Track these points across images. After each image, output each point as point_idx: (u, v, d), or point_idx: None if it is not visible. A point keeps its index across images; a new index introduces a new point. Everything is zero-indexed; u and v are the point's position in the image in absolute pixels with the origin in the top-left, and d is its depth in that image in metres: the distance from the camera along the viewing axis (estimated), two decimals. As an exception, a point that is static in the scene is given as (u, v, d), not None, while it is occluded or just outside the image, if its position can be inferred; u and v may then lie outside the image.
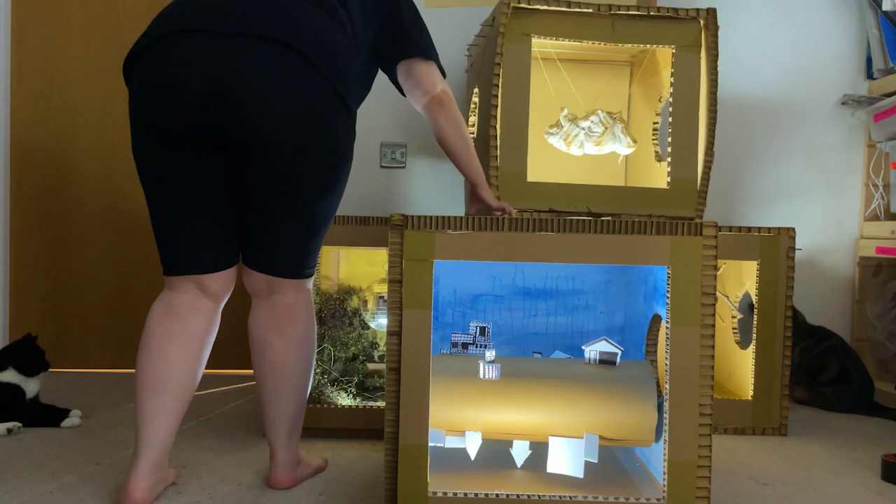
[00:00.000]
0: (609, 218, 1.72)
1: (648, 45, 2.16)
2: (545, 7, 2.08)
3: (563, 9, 2.09)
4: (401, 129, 2.86)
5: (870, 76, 2.76)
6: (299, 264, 1.57)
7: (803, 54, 2.80)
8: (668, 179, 2.13)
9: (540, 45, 2.20)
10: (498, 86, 2.05)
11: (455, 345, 1.71)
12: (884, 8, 2.65)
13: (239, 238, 1.55)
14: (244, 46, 1.35)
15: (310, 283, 1.63)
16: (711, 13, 2.10)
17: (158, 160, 1.44)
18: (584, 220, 1.43)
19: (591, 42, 2.12)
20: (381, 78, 2.87)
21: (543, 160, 2.40)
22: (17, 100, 2.91)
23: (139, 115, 1.43)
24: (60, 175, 2.92)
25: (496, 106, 2.06)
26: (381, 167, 2.86)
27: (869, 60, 2.74)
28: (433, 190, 2.80)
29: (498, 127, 2.07)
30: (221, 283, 1.55)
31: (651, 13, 2.12)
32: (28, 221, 2.93)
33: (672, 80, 2.12)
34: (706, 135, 2.11)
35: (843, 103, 2.78)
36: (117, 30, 2.89)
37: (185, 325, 1.51)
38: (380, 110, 2.82)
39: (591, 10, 2.10)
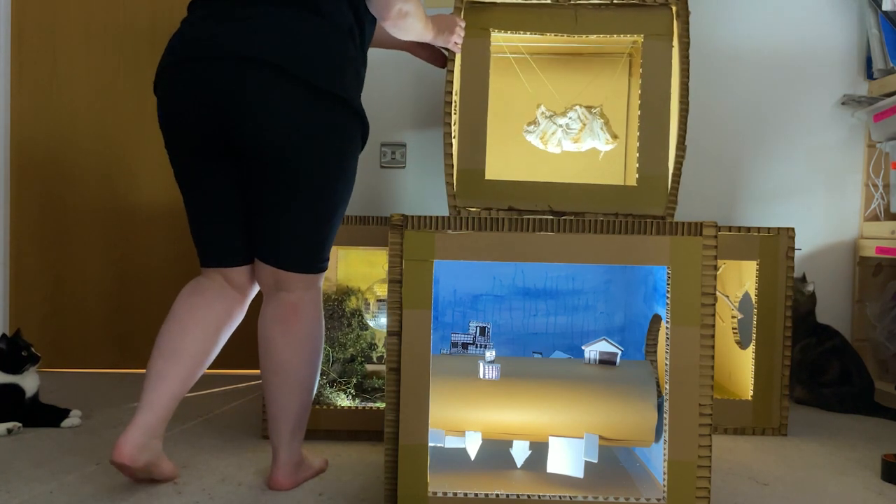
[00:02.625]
0: (572, 217, 1.71)
1: (616, 35, 2.10)
2: (502, 0, 2.05)
3: (521, 1, 2.05)
4: (401, 129, 2.86)
5: (870, 76, 2.76)
6: (304, 259, 1.59)
7: (803, 54, 2.79)
8: (637, 176, 2.08)
9: (527, 40, 2.19)
10: (452, 82, 2.04)
11: (455, 345, 1.71)
12: (884, 8, 2.65)
13: (253, 237, 1.63)
14: (227, 69, 1.49)
15: (319, 281, 1.65)
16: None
17: (182, 169, 1.63)
18: (584, 220, 1.43)
19: (553, 34, 2.08)
20: (380, 79, 2.87)
21: (522, 159, 2.38)
22: (17, 100, 2.91)
23: (163, 132, 1.62)
24: (60, 175, 2.92)
25: (450, 103, 2.05)
26: (381, 167, 2.86)
27: (869, 60, 2.74)
28: (433, 190, 2.80)
29: (454, 125, 2.05)
30: (245, 276, 1.66)
31: (616, 1, 2.06)
32: (28, 221, 2.93)
33: (641, 70, 2.08)
34: (678, 128, 2.05)
35: (843, 103, 2.78)
36: (117, 30, 2.89)
37: (209, 304, 1.62)
38: (380, 110, 2.82)
39: (550, 1, 2.06)
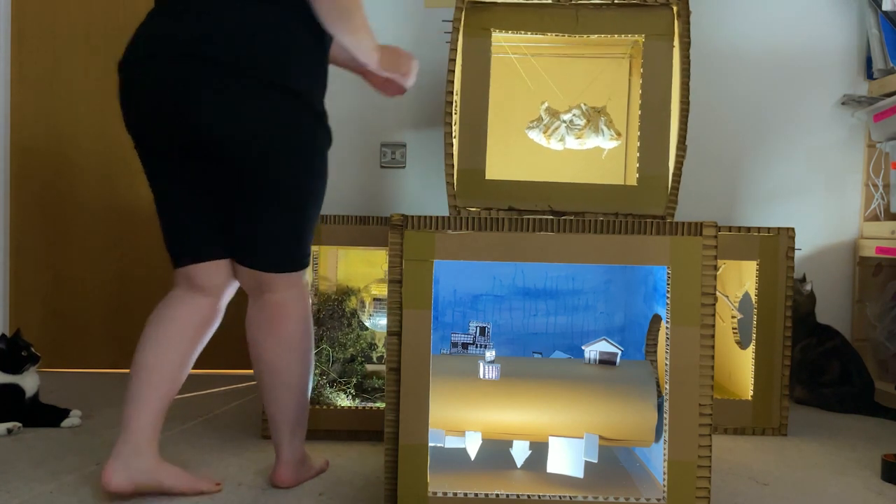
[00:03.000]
0: (572, 217, 1.72)
1: (617, 35, 2.11)
2: (503, 0, 2.05)
3: (522, 1, 2.04)
4: (401, 129, 2.86)
5: (870, 76, 2.76)
6: (282, 258, 1.56)
7: (803, 54, 2.80)
8: (637, 176, 2.08)
9: (529, 40, 2.19)
10: (453, 82, 2.04)
11: (455, 345, 1.71)
12: (884, 8, 2.65)
13: (224, 234, 1.58)
14: (178, 69, 1.45)
15: (301, 278, 1.61)
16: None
17: (145, 163, 1.58)
18: (584, 220, 1.43)
19: (554, 34, 2.08)
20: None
21: (523, 158, 2.38)
22: (17, 100, 2.91)
23: (128, 130, 1.58)
24: (60, 175, 2.92)
25: (450, 103, 2.05)
26: (381, 167, 2.86)
27: (869, 60, 2.74)
28: (433, 190, 2.80)
29: (454, 124, 2.05)
30: (206, 275, 1.59)
31: (617, 1, 2.07)
32: (28, 221, 2.93)
33: (642, 70, 2.08)
34: (678, 128, 2.05)
35: (843, 103, 2.78)
36: (117, 30, 2.89)
37: (170, 314, 1.58)
38: (380, 110, 2.82)
39: (551, 1, 2.06)
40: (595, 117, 2.18)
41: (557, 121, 2.19)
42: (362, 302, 2.23)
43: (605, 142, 2.21)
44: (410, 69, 1.71)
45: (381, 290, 2.22)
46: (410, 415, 1.40)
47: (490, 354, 1.58)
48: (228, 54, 1.43)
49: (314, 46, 1.53)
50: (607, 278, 1.95)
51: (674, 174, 2.07)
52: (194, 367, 1.64)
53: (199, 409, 2.32)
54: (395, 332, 1.41)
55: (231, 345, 2.56)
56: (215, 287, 1.61)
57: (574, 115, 2.19)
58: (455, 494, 1.41)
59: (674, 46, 2.10)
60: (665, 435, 1.41)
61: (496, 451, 1.65)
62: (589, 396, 1.56)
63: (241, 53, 1.43)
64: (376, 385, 2.17)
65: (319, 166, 1.57)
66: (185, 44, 1.44)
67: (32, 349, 2.12)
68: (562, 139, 2.21)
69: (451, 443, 1.59)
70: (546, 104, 2.23)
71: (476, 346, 1.70)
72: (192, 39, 1.44)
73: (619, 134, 2.22)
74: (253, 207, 1.52)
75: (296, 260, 1.59)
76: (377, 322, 2.22)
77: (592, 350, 1.61)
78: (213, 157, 1.49)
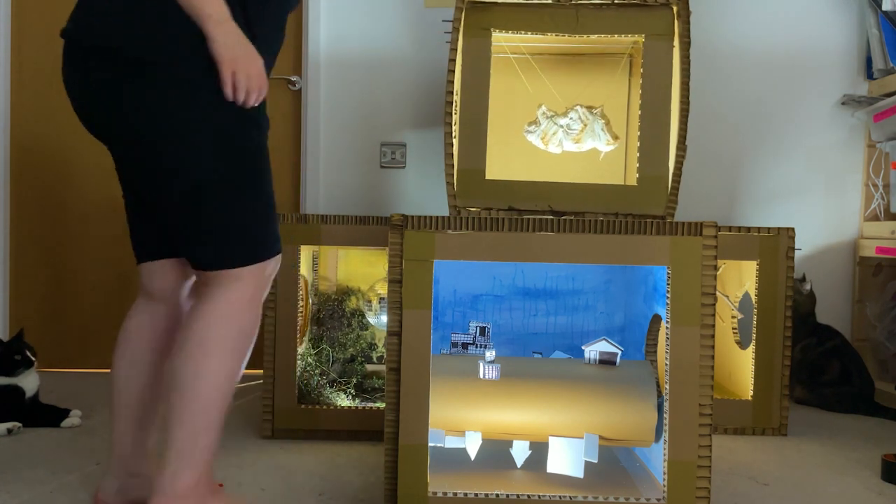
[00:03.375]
0: (572, 217, 1.72)
1: (617, 36, 2.11)
2: (503, 0, 2.05)
3: (523, 1, 2.05)
4: (401, 129, 2.86)
5: (870, 76, 2.76)
6: (206, 253, 1.36)
7: (803, 54, 2.80)
8: (637, 176, 2.09)
9: (529, 40, 2.19)
10: (453, 82, 2.04)
11: (455, 345, 1.71)
12: (884, 8, 2.65)
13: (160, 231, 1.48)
14: (66, 53, 1.43)
15: (242, 279, 1.36)
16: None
17: None
18: (584, 220, 1.43)
19: (554, 35, 2.09)
20: (380, 79, 2.87)
21: (522, 159, 2.38)
22: (17, 100, 2.91)
23: None
24: (60, 175, 2.92)
25: (450, 103, 2.05)
26: (381, 167, 2.86)
27: (869, 60, 2.74)
28: (433, 190, 2.80)
29: (454, 124, 2.05)
30: (155, 277, 1.49)
31: (617, 1, 2.07)
32: (28, 221, 2.93)
33: (642, 70, 2.08)
34: (679, 128, 2.06)
35: (843, 103, 2.78)
36: (117, 30, 2.89)
37: (136, 330, 1.54)
38: (380, 110, 2.82)
39: (551, 1, 2.07)
40: (592, 121, 2.19)
41: (555, 125, 2.20)
42: (368, 301, 2.23)
43: (603, 145, 2.22)
44: (258, 82, 1.32)
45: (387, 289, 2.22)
46: (410, 415, 1.40)
47: (490, 354, 1.58)
48: (87, 34, 1.35)
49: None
50: (607, 278, 1.95)
51: (674, 174, 2.07)
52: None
53: (199, 409, 2.32)
54: (395, 332, 1.41)
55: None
56: (166, 291, 1.48)
57: (571, 119, 2.19)
58: (455, 494, 1.41)
59: (674, 46, 2.11)
60: (665, 435, 1.41)
61: (496, 451, 1.65)
62: (589, 396, 1.56)
63: (94, 31, 1.34)
64: (376, 385, 2.17)
65: (206, 143, 1.32)
66: (68, 27, 1.40)
67: (28, 353, 2.11)
68: (559, 144, 2.22)
69: (451, 443, 1.59)
70: (543, 107, 2.23)
71: (476, 346, 1.70)
72: (71, 23, 1.39)
73: (616, 137, 2.23)
74: (154, 200, 1.40)
75: (227, 256, 1.35)
76: (383, 321, 2.22)
77: (592, 350, 1.61)
78: (112, 148, 1.45)
